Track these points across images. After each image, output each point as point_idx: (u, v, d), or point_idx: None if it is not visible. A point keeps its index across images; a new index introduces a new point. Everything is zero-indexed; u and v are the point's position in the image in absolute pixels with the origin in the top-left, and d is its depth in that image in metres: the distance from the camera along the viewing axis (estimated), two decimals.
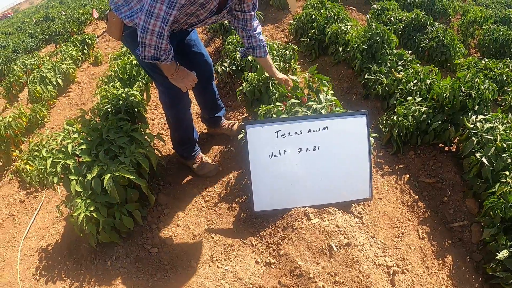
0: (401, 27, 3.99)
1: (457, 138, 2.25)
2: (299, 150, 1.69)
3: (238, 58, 2.94)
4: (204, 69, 2.20)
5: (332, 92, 1.94)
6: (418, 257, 1.87)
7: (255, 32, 1.96)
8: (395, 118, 2.36)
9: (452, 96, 2.13)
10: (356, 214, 1.88)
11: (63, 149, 1.53)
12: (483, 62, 3.32)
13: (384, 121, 2.46)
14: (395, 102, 2.54)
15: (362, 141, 1.78)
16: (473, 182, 2.01)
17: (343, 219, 1.80)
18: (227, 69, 3.15)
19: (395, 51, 2.82)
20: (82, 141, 1.56)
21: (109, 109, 2.17)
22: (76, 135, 1.63)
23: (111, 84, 2.69)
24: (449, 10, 5.02)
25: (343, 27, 3.41)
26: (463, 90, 2.16)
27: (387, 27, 3.17)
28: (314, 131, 1.68)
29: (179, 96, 1.96)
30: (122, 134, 1.68)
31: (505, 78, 3.05)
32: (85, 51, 5.32)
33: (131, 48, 1.88)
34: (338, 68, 3.56)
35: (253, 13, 1.91)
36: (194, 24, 1.77)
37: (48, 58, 5.10)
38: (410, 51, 2.82)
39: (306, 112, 1.75)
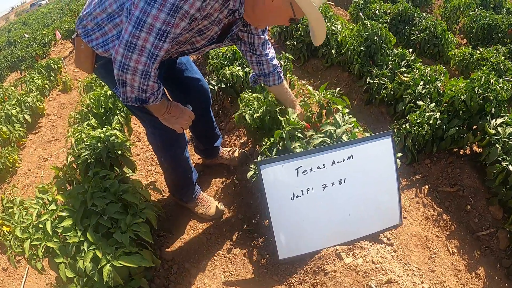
0: (387, 20, 3.85)
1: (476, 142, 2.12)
2: (323, 186, 1.48)
3: (228, 75, 2.68)
4: (199, 96, 1.87)
5: (347, 110, 1.73)
6: (453, 275, 1.78)
7: (267, 57, 1.64)
8: (408, 126, 2.19)
9: (468, 100, 1.98)
10: (386, 241, 1.72)
11: (40, 225, 1.23)
12: (478, 52, 3.23)
13: (396, 130, 2.29)
14: (403, 107, 2.37)
15: (389, 165, 1.59)
16: (498, 190, 1.91)
17: (376, 251, 1.63)
18: (215, 87, 2.89)
19: (395, 50, 2.64)
20: (63, 214, 1.25)
21: (87, 156, 1.84)
22: (53, 206, 1.31)
23: (86, 122, 2.34)
24: None
25: (333, 27, 3.21)
26: (478, 92, 2.01)
27: (383, 24, 2.97)
28: (338, 162, 1.47)
29: (174, 137, 1.62)
30: (111, 198, 1.37)
31: (502, 67, 2.97)
32: (51, 77, 4.85)
33: (109, 85, 1.53)
34: (332, 72, 3.37)
35: (263, 36, 1.58)
36: (187, 52, 1.44)
37: (13, 89, 4.62)
38: (410, 50, 2.65)
39: (328, 141, 1.52)
